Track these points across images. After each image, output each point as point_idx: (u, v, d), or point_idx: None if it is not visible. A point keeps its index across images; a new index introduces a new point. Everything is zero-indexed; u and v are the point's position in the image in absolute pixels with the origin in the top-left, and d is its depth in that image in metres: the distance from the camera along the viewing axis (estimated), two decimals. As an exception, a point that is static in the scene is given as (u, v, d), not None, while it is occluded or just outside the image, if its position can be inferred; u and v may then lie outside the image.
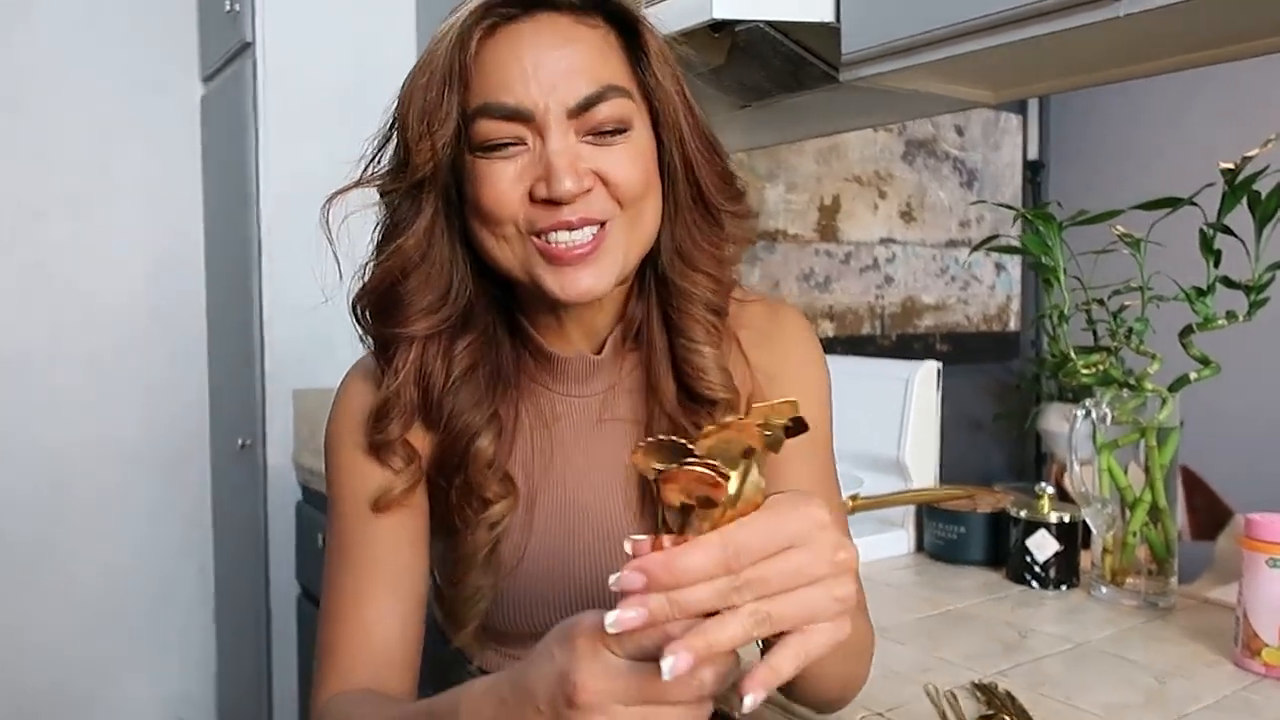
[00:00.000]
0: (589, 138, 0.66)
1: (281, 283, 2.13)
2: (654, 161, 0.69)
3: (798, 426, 0.46)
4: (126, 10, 2.39)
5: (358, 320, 0.74)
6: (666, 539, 0.45)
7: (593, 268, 0.67)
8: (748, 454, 0.45)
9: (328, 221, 0.70)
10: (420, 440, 0.74)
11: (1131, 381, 1.13)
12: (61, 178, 2.35)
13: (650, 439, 0.44)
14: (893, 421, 1.44)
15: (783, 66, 1.43)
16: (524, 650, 0.77)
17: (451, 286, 0.71)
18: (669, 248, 0.72)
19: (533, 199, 0.65)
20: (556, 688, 0.47)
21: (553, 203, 0.65)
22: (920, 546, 1.41)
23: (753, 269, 2.10)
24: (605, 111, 0.66)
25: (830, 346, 2.26)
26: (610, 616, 0.44)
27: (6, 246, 2.31)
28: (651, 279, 0.74)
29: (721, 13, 1.19)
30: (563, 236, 0.66)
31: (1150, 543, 1.13)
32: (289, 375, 2.17)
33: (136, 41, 2.41)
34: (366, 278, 0.72)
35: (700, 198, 0.71)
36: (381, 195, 0.72)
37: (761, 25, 1.30)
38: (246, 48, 2.14)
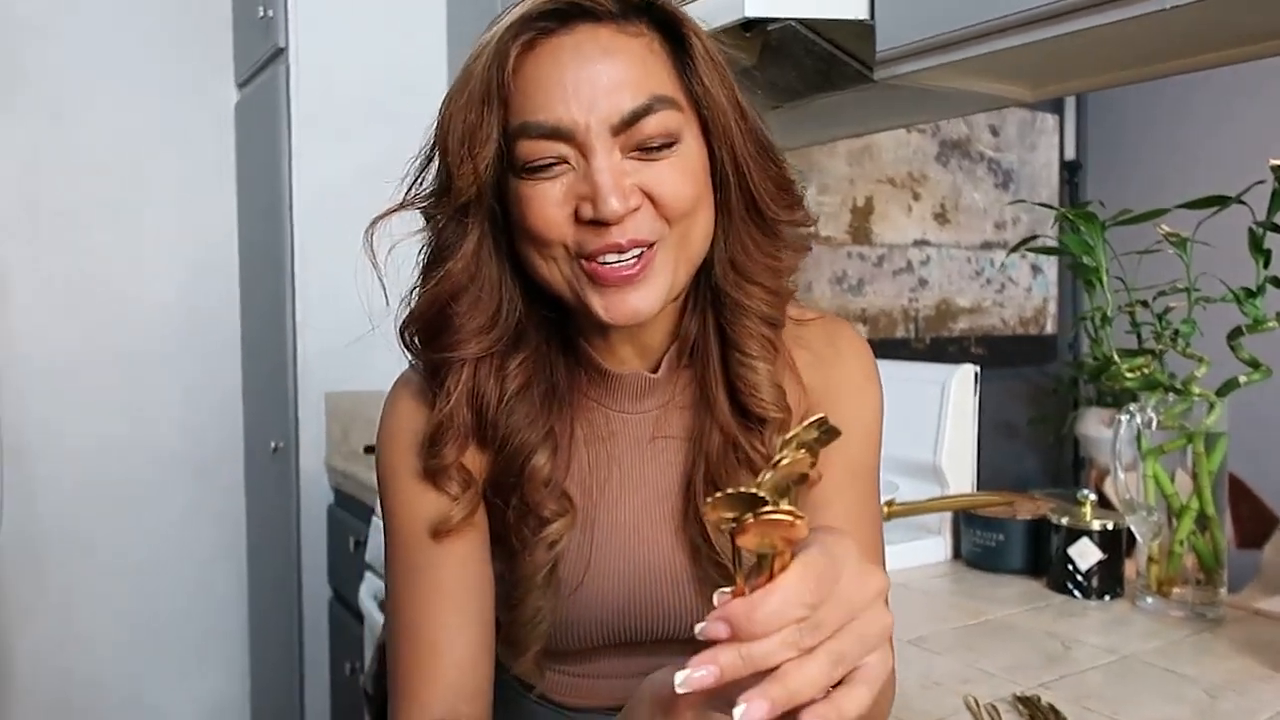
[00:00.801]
0: (635, 153, 0.63)
1: (314, 286, 2.15)
2: (705, 173, 0.66)
3: (829, 436, 0.46)
4: (162, 18, 2.42)
5: (406, 346, 0.72)
6: (746, 587, 0.44)
7: (640, 289, 0.64)
8: (799, 481, 0.45)
9: (371, 246, 0.69)
10: (475, 461, 0.72)
11: (1178, 385, 1.10)
12: (99, 183, 2.39)
13: (720, 494, 0.44)
14: (929, 426, 1.41)
15: (815, 66, 1.41)
16: (586, 668, 0.76)
17: (501, 307, 0.69)
18: (723, 259, 0.69)
19: (578, 219, 0.63)
20: None
21: (600, 223, 0.62)
22: (957, 554, 1.38)
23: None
24: (652, 125, 0.63)
25: (863, 350, 2.23)
26: (679, 676, 0.43)
27: (46, 251, 2.34)
28: (706, 291, 0.72)
29: (754, 11, 1.17)
30: (610, 258, 0.63)
31: (1198, 552, 1.10)
32: (322, 378, 2.18)
33: (172, 48, 2.44)
34: (414, 303, 0.71)
35: (754, 207, 0.68)
36: (426, 218, 0.70)
37: (794, 24, 1.28)
38: (280, 53, 2.16)
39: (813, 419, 0.46)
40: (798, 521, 0.43)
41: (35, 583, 2.35)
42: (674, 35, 0.66)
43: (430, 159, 0.69)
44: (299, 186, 2.14)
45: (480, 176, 0.65)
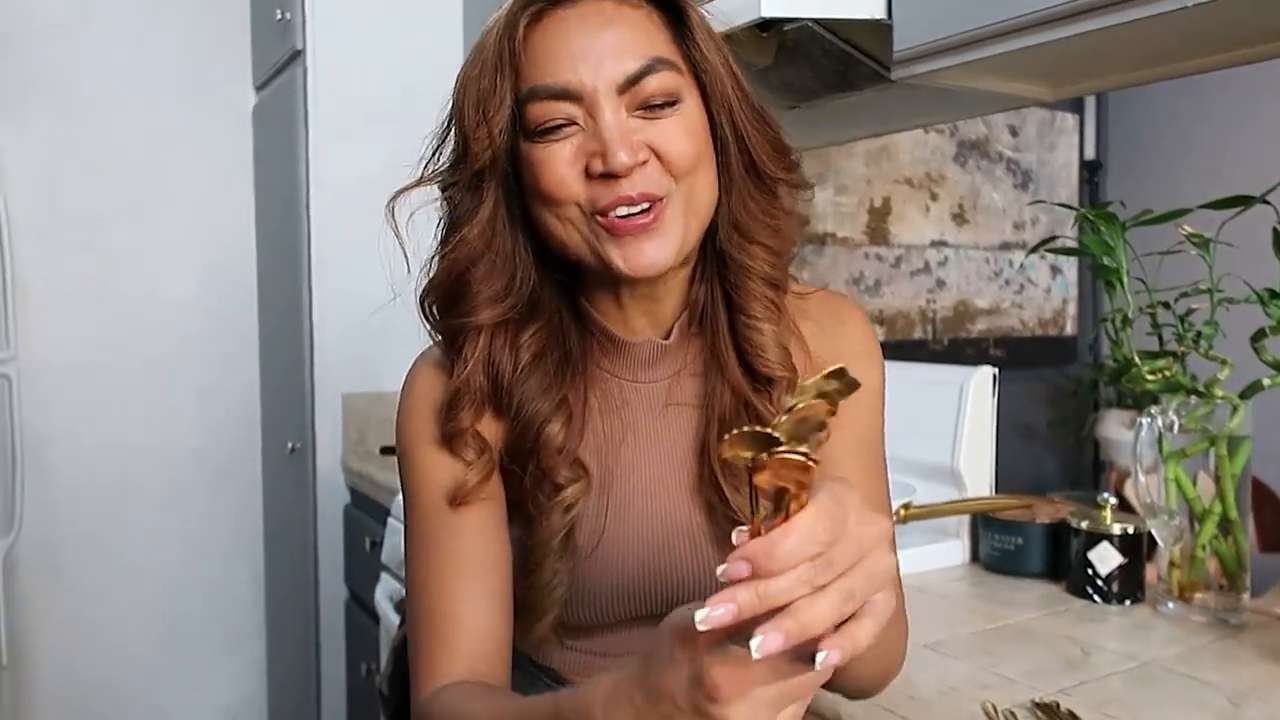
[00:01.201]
0: (640, 112, 0.67)
1: (331, 287, 2.15)
2: (705, 133, 0.70)
3: (850, 386, 0.47)
4: (181, 20, 2.43)
5: (425, 316, 0.76)
6: (763, 527, 0.46)
7: (655, 240, 0.67)
8: (817, 428, 0.47)
9: (393, 216, 0.73)
10: (491, 430, 0.75)
11: (1200, 388, 1.08)
12: (120, 186, 2.41)
13: (737, 431, 0.46)
14: (946, 429, 1.40)
15: (832, 66, 1.40)
16: (604, 644, 0.77)
17: (516, 274, 0.72)
18: (726, 221, 0.73)
19: (589, 175, 0.67)
20: (695, 690, 0.49)
21: (610, 177, 0.66)
22: (975, 557, 1.37)
23: (801, 272, 2.07)
24: (654, 85, 0.67)
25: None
26: (699, 614, 0.46)
27: (68, 253, 2.36)
28: (712, 257, 0.75)
29: (770, 11, 1.16)
30: (623, 211, 0.66)
31: (1220, 556, 1.08)
32: (338, 379, 2.19)
33: (191, 51, 2.45)
34: (432, 273, 0.74)
35: (753, 167, 0.72)
36: (443, 191, 0.74)
37: (810, 24, 1.27)
38: (297, 56, 2.17)
39: (832, 369, 0.47)
40: (811, 463, 0.45)
41: (52, 584, 2.37)
42: (672, 9, 0.71)
43: (447, 132, 0.73)
44: (316, 187, 2.15)
45: (494, 141, 0.68)
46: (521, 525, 0.75)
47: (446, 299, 0.73)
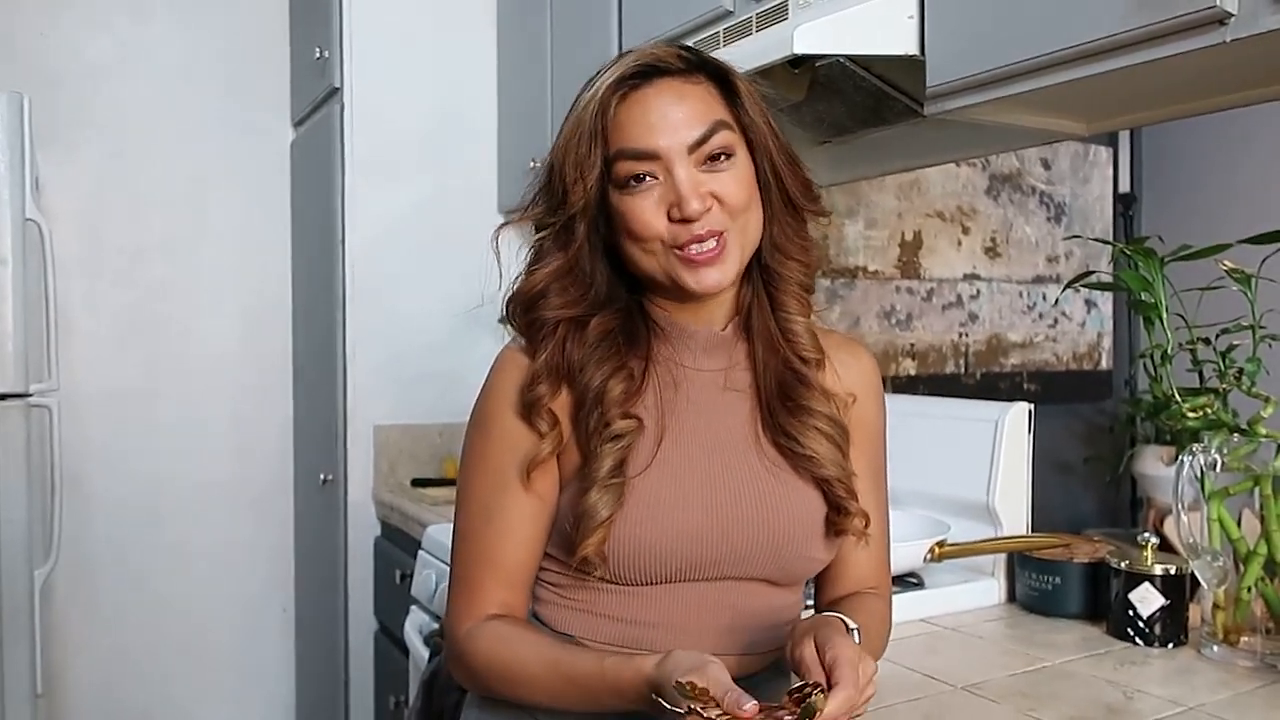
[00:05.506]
0: (704, 166, 0.84)
1: (364, 321, 2.17)
2: (753, 179, 0.87)
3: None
4: (223, 59, 2.50)
5: (509, 318, 0.90)
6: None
7: (718, 266, 0.84)
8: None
9: (497, 245, 0.91)
10: (563, 405, 0.86)
11: (1243, 426, 1.06)
12: (161, 221, 2.46)
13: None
14: (981, 465, 1.38)
15: (864, 101, 1.40)
16: (636, 609, 0.87)
17: (591, 287, 0.88)
18: (769, 244, 0.90)
19: (670, 220, 0.83)
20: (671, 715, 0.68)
21: (685, 220, 0.83)
22: (1012, 597, 1.35)
23: (833, 306, 2.07)
24: (715, 143, 0.84)
25: (913, 385, 2.19)
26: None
27: (110, 286, 2.41)
28: (756, 271, 0.92)
29: (802, 48, 1.17)
30: (694, 249, 0.83)
31: (1267, 599, 1.06)
32: (370, 411, 2.20)
33: (232, 89, 2.51)
34: (519, 285, 0.89)
35: (789, 202, 0.89)
36: (539, 228, 0.90)
37: (842, 60, 1.28)
38: (335, 93, 2.21)
39: (804, 703, 0.66)
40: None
41: (87, 612, 2.39)
42: (724, 82, 0.88)
43: (546, 185, 0.89)
44: (351, 222, 2.18)
45: (588, 192, 0.86)
46: (580, 484, 0.84)
47: (528, 303, 0.88)
